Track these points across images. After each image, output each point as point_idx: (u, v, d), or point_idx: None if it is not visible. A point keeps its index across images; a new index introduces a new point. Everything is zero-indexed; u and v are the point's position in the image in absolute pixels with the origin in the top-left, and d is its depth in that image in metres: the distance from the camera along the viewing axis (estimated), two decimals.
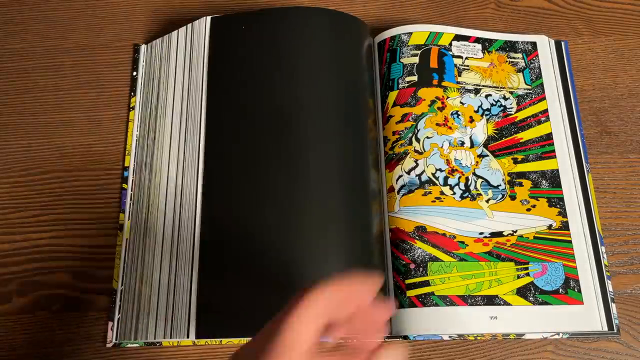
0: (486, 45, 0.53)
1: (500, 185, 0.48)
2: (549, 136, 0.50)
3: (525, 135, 0.50)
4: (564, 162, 0.49)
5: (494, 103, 0.51)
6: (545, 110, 0.51)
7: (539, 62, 0.53)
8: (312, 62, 0.49)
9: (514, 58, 0.53)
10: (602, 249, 0.47)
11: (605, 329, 0.44)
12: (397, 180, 0.47)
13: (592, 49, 0.55)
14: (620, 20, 0.57)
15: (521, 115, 0.50)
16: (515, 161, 0.49)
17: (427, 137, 0.49)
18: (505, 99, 0.51)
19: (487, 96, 0.51)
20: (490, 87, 0.51)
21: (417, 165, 0.48)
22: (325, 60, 0.49)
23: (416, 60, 0.51)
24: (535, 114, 0.51)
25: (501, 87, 0.51)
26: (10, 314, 0.46)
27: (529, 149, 0.49)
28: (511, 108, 0.51)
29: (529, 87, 0.52)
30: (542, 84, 0.52)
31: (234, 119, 0.48)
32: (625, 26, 0.56)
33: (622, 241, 0.48)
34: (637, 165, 0.51)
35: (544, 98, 0.51)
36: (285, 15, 0.50)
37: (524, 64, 0.52)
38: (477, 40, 0.53)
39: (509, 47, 0.53)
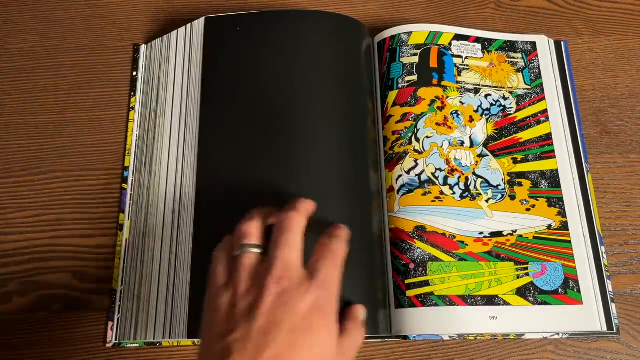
0: (486, 45, 0.53)
1: (499, 185, 0.48)
2: (549, 136, 0.50)
3: (525, 135, 0.50)
4: (564, 162, 0.49)
5: (494, 103, 0.51)
6: (545, 110, 0.51)
7: (538, 62, 0.53)
8: (307, 64, 0.49)
9: (513, 58, 0.53)
10: (602, 249, 0.47)
11: (605, 329, 0.44)
12: (397, 180, 0.47)
13: (592, 49, 0.55)
14: (620, 20, 0.57)
15: (521, 115, 0.50)
16: (515, 161, 0.49)
17: (427, 137, 0.49)
18: (504, 98, 0.51)
19: (486, 96, 0.51)
20: (489, 86, 0.51)
21: (416, 165, 0.48)
22: (321, 61, 0.49)
23: (416, 59, 0.51)
24: (535, 114, 0.51)
25: (501, 87, 0.51)
26: (10, 314, 0.46)
27: (529, 149, 0.49)
28: (511, 108, 0.51)
29: (529, 87, 0.52)
30: (541, 84, 0.52)
31: (229, 120, 0.48)
32: (625, 26, 0.56)
33: (622, 241, 0.48)
34: (637, 165, 0.51)
35: (544, 98, 0.51)
36: (281, 17, 0.50)
37: (523, 64, 0.52)
38: (477, 40, 0.53)
39: (509, 47, 0.53)
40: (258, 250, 0.37)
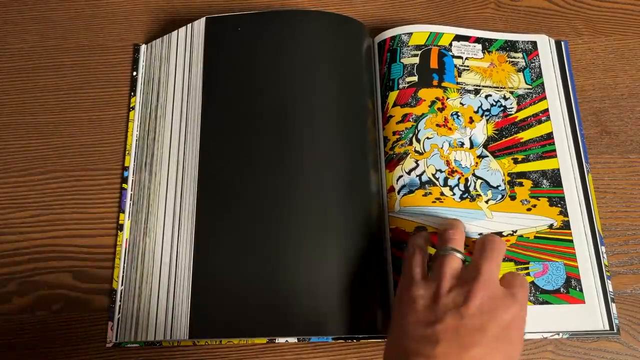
0: (486, 45, 0.53)
1: (500, 185, 0.48)
2: (550, 135, 0.50)
3: (526, 135, 0.50)
4: (565, 161, 0.49)
5: (494, 103, 0.51)
6: (546, 110, 0.51)
7: (539, 61, 0.53)
8: (307, 64, 0.49)
9: (514, 58, 0.53)
10: (602, 249, 0.47)
11: (605, 328, 0.44)
12: (398, 180, 0.47)
13: (592, 49, 0.55)
14: (620, 20, 0.57)
15: (521, 115, 0.50)
16: (516, 161, 0.49)
17: (428, 138, 0.49)
18: (505, 99, 0.51)
19: (487, 96, 0.51)
20: (490, 87, 0.51)
21: (417, 165, 0.48)
22: (321, 61, 0.49)
23: (416, 60, 0.51)
24: (536, 113, 0.51)
25: (501, 87, 0.51)
26: (10, 314, 0.46)
27: (530, 149, 0.49)
28: (511, 108, 0.51)
29: (530, 87, 0.52)
30: (542, 84, 0.52)
31: (230, 120, 0.48)
32: (625, 26, 0.56)
33: (622, 241, 0.48)
34: (637, 165, 0.51)
35: (545, 97, 0.51)
36: (281, 17, 0.50)
37: (524, 64, 0.52)
38: (477, 40, 0.53)
39: (509, 46, 0.53)
40: (462, 257, 0.40)
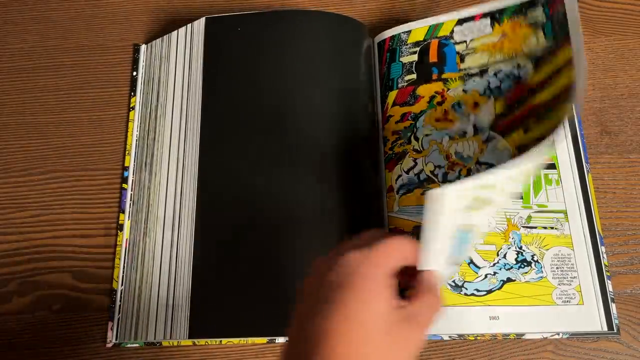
0: (497, 16, 0.49)
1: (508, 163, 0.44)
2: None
3: (543, 96, 0.44)
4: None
5: (505, 77, 0.48)
6: (570, 60, 0.42)
7: (561, 9, 0.44)
8: (307, 64, 0.49)
9: (532, 17, 0.47)
10: (602, 249, 0.47)
11: (605, 329, 0.44)
12: (397, 180, 0.47)
13: (592, 49, 0.55)
14: (620, 20, 0.56)
15: (538, 77, 0.45)
16: (526, 130, 0.45)
17: (426, 135, 0.49)
18: (518, 67, 0.47)
19: (495, 73, 0.49)
20: (500, 61, 0.48)
21: (415, 164, 0.48)
22: (321, 61, 0.49)
23: (415, 58, 0.51)
24: (559, 67, 0.43)
25: (515, 55, 0.48)
26: (10, 314, 0.46)
27: (548, 108, 0.44)
28: (526, 75, 0.47)
29: (551, 40, 0.45)
30: (567, 32, 0.43)
31: (230, 120, 0.48)
32: (625, 26, 0.56)
33: (622, 241, 0.48)
34: (637, 165, 0.51)
35: (569, 45, 0.42)
36: (281, 17, 0.50)
37: (544, 19, 0.46)
38: (485, 15, 0.49)
39: (526, 6, 0.48)
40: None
